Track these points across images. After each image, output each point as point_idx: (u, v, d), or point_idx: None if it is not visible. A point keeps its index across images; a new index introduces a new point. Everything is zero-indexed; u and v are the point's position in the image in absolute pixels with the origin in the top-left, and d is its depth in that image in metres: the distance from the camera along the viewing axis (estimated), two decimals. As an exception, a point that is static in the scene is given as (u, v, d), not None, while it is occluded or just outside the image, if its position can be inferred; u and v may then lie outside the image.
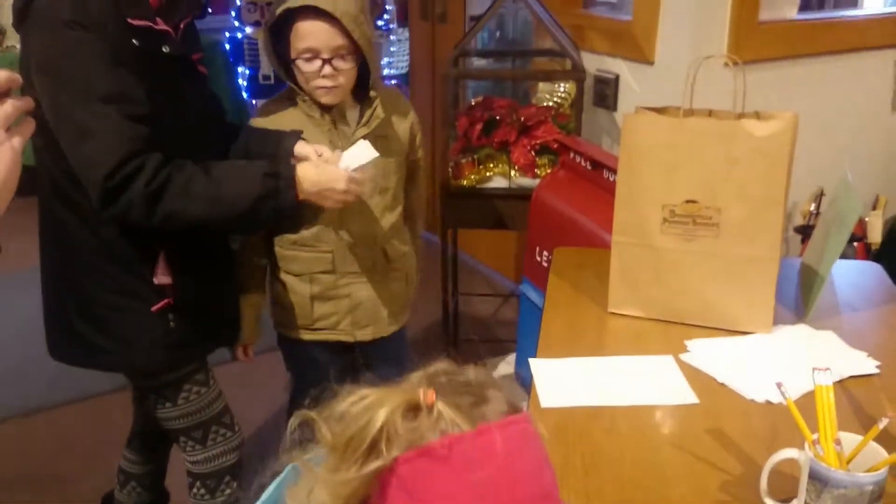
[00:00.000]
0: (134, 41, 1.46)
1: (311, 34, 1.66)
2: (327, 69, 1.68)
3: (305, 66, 1.69)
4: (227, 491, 1.76)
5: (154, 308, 1.60)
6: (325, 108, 1.77)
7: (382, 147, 1.73)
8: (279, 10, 1.66)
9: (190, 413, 1.71)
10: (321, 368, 1.90)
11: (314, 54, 1.68)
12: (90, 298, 1.60)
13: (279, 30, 1.71)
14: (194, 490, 1.78)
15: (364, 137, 1.73)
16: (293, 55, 1.70)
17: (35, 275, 1.68)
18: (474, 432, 0.69)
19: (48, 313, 1.69)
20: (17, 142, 0.84)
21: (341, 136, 1.77)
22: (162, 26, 1.51)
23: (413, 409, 0.71)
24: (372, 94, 1.78)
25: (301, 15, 1.66)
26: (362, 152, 1.66)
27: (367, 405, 0.71)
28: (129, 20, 1.46)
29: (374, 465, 0.69)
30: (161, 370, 1.66)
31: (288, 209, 1.57)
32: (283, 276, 1.87)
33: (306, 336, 1.91)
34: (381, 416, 0.69)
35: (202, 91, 1.68)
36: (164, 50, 1.52)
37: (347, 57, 1.70)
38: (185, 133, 1.56)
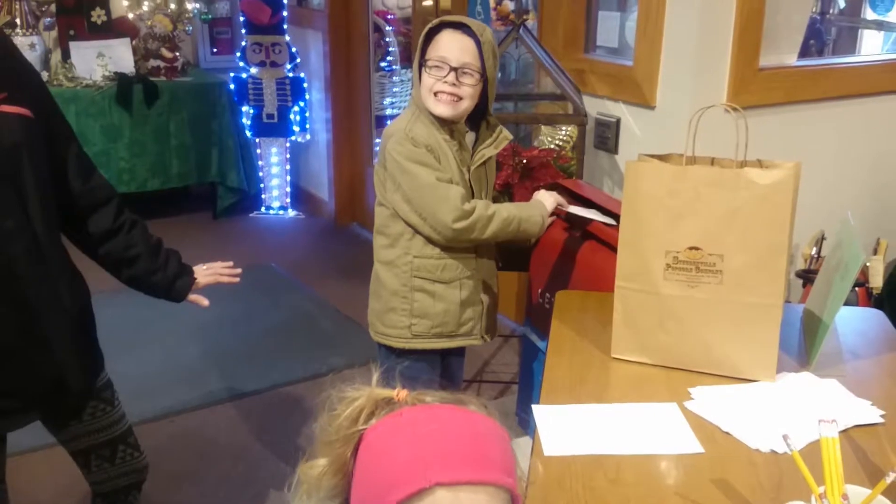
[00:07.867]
0: None
1: (449, 44, 1.83)
2: (451, 77, 1.82)
3: (433, 72, 1.83)
4: None
5: None
6: (447, 128, 1.89)
7: (491, 167, 2.03)
8: (435, 22, 1.83)
9: None
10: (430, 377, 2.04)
11: (444, 62, 1.82)
12: None
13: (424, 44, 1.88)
14: None
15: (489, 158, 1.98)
16: (428, 62, 1.83)
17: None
18: (427, 405, 0.90)
19: None
20: None
21: (466, 156, 1.93)
22: None
23: (388, 403, 0.92)
24: (492, 119, 1.97)
25: (448, 28, 1.84)
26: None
27: (354, 395, 0.93)
28: None
29: (351, 430, 0.91)
30: None
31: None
32: (432, 285, 1.95)
33: (438, 345, 2.01)
34: (360, 401, 0.92)
35: None
36: None
37: (474, 76, 1.84)
38: None
